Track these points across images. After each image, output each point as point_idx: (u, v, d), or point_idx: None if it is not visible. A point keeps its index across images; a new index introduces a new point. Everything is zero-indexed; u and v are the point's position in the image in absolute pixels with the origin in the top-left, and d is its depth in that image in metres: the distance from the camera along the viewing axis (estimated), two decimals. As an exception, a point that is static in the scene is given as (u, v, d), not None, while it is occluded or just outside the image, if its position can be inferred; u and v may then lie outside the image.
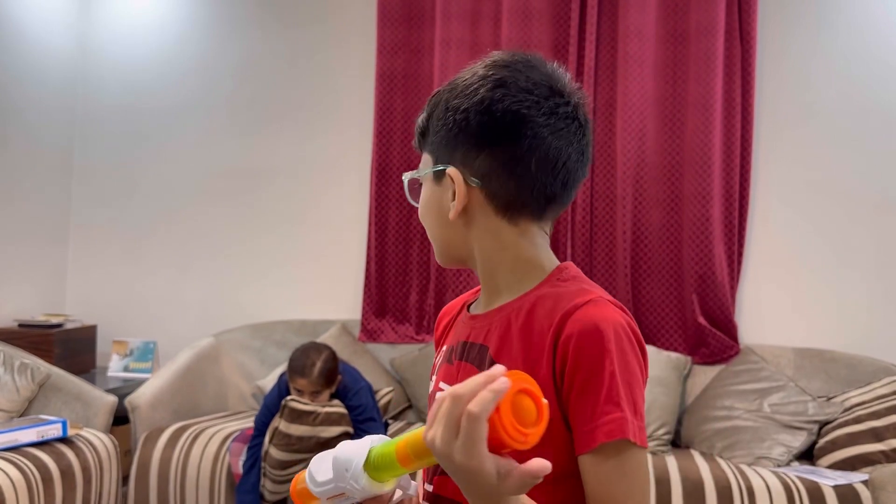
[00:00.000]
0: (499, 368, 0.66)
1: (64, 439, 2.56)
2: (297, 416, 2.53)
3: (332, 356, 2.65)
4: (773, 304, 3.22)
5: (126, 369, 3.61)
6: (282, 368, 3.24)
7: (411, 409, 3.28)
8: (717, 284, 3.15)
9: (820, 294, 3.18)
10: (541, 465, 0.65)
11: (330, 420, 2.56)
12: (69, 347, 3.48)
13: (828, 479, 2.41)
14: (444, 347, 1.00)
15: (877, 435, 2.59)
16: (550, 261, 0.92)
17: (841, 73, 3.18)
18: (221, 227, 3.76)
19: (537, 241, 0.91)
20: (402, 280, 3.47)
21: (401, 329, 3.47)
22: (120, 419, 2.98)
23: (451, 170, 0.89)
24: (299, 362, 2.60)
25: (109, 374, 3.58)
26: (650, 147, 3.25)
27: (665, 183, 3.24)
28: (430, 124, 0.93)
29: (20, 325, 3.45)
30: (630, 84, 3.21)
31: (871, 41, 3.16)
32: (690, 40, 3.20)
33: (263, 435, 2.59)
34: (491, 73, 0.88)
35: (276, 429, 2.54)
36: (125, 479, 2.86)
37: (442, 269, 3.36)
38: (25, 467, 2.35)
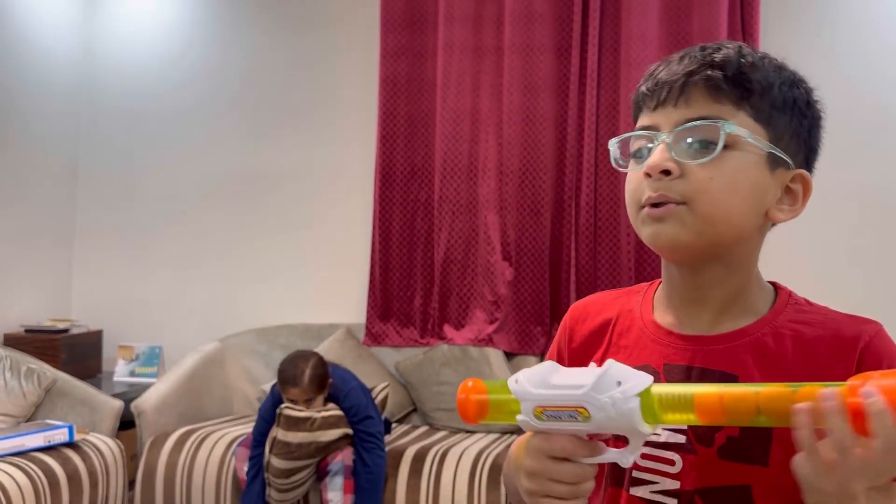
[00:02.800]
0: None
1: (70, 444, 2.57)
2: (294, 424, 2.53)
3: (320, 362, 2.66)
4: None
5: (132, 374, 3.62)
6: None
7: (416, 412, 3.28)
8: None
9: (824, 298, 3.13)
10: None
11: (328, 423, 2.57)
12: (75, 352, 3.50)
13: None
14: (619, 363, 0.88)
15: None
16: (763, 279, 0.87)
17: (844, 76, 3.18)
18: (226, 232, 3.77)
19: None
20: (407, 284, 3.48)
21: (405, 332, 3.47)
22: (126, 424, 2.99)
23: (806, 176, 0.84)
24: (289, 372, 2.60)
25: (115, 378, 3.59)
26: (654, 149, 3.25)
27: (669, 185, 3.24)
28: (774, 93, 0.81)
29: (26, 331, 3.47)
30: (633, 86, 3.16)
31: (874, 44, 3.16)
32: (693, 43, 3.17)
33: (262, 446, 2.60)
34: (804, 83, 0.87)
35: (274, 438, 2.54)
36: (131, 484, 2.87)
37: (446, 273, 3.36)
38: (32, 472, 2.36)
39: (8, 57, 3.49)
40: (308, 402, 2.60)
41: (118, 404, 2.87)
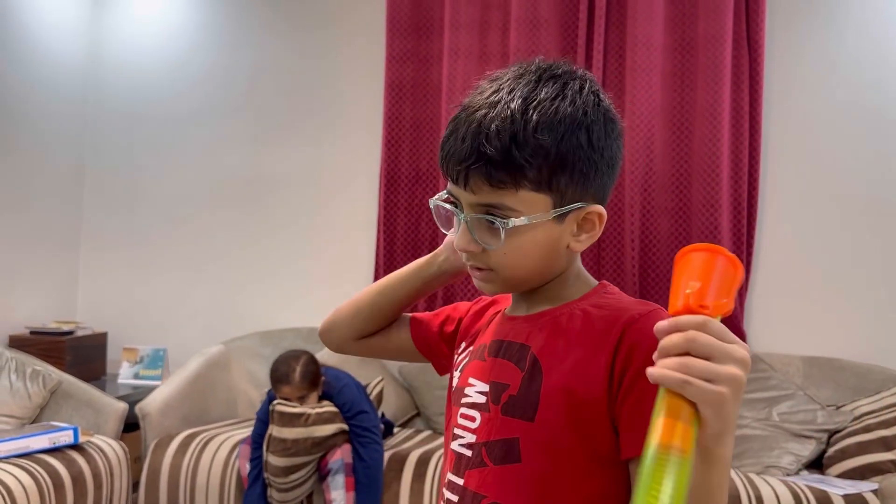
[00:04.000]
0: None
1: (75, 446, 2.58)
2: (288, 420, 2.54)
3: (311, 359, 2.69)
4: (782, 313, 3.22)
5: (136, 376, 3.63)
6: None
7: (419, 416, 3.29)
8: (726, 293, 3.15)
9: (829, 302, 3.18)
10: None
11: (322, 419, 2.58)
12: (80, 354, 3.51)
13: (837, 489, 2.40)
14: (471, 347, 1.01)
15: (886, 444, 2.58)
16: (590, 277, 0.96)
17: (850, 81, 3.18)
18: (231, 235, 3.79)
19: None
20: (411, 288, 3.48)
21: (409, 337, 3.47)
22: (130, 426, 3.00)
23: (598, 209, 0.88)
24: (280, 371, 2.64)
25: (120, 381, 3.60)
26: (658, 156, 3.25)
27: (673, 192, 3.25)
28: (550, 158, 0.83)
29: (32, 333, 3.48)
30: (638, 93, 3.22)
31: (880, 48, 3.16)
32: (698, 49, 3.21)
33: (261, 448, 2.61)
34: (600, 96, 0.89)
35: (270, 435, 2.56)
36: (135, 486, 2.88)
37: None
38: (37, 473, 2.36)
39: (15, 60, 3.51)
40: (301, 400, 2.63)
41: (122, 406, 2.88)
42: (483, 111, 0.85)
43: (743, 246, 3.20)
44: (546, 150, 0.83)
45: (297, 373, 2.62)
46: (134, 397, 3.19)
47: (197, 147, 3.84)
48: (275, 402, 2.59)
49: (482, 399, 0.91)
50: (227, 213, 3.79)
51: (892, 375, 2.88)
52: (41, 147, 3.68)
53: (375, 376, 3.16)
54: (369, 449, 2.60)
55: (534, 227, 0.86)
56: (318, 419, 2.57)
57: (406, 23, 3.49)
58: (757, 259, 3.25)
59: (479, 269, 0.91)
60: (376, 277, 3.51)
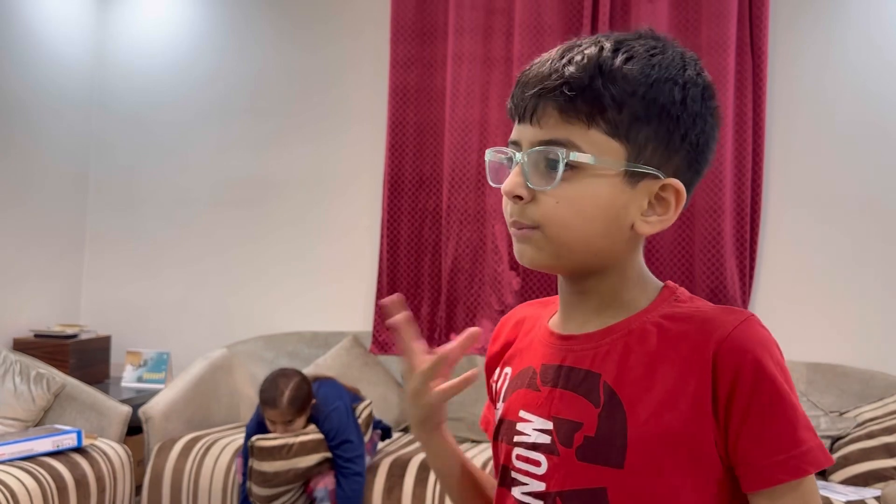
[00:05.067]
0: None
1: (78, 449, 2.58)
2: (269, 454, 2.47)
3: (302, 382, 2.55)
4: (785, 319, 3.22)
5: (140, 380, 3.63)
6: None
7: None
8: (729, 299, 3.15)
9: (832, 309, 3.17)
10: None
11: (305, 449, 2.51)
12: (84, 358, 3.51)
13: (840, 495, 2.40)
14: (508, 368, 0.89)
15: (889, 451, 2.57)
16: (654, 277, 0.83)
17: (853, 87, 3.18)
18: (235, 239, 3.79)
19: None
20: (414, 292, 3.49)
21: (412, 341, 3.47)
22: (133, 429, 3.01)
23: (676, 184, 0.77)
24: (268, 393, 2.52)
25: (123, 384, 3.60)
26: (661, 161, 3.25)
27: (676, 197, 3.25)
28: (635, 102, 0.74)
29: (36, 336, 3.49)
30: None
31: (883, 54, 3.16)
32: (702, 55, 3.21)
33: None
34: (703, 70, 0.79)
35: (250, 468, 2.50)
36: (138, 489, 2.88)
37: (453, 282, 3.38)
38: (41, 476, 2.37)
39: (20, 63, 3.52)
40: (288, 424, 2.53)
41: (126, 410, 2.89)
42: (569, 45, 0.78)
43: (746, 251, 3.20)
44: (632, 88, 0.74)
45: (285, 398, 2.50)
46: (137, 401, 3.20)
47: (201, 150, 3.85)
48: (254, 438, 2.50)
49: (545, 439, 0.79)
50: (231, 217, 3.80)
51: (895, 382, 2.88)
52: (46, 150, 3.69)
53: (375, 380, 3.17)
54: (350, 480, 2.52)
55: (597, 177, 0.74)
56: (301, 449, 2.50)
57: (410, 28, 3.50)
58: (760, 264, 3.25)
59: (521, 227, 0.78)
60: (379, 282, 3.51)
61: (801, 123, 3.24)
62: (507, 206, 0.79)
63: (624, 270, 0.80)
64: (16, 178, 3.52)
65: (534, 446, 0.80)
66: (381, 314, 3.51)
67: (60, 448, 2.53)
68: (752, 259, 3.22)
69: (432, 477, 2.65)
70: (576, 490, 0.76)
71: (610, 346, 0.78)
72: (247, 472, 2.54)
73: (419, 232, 3.49)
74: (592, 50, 0.76)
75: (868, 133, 3.16)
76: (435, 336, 3.46)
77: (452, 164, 3.40)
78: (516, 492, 0.81)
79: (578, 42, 0.78)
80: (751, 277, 3.22)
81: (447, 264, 3.39)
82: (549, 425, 0.79)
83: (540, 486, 0.78)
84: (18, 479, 2.31)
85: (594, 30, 3.29)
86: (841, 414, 2.84)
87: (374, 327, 3.50)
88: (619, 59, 0.75)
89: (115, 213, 3.94)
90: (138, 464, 2.96)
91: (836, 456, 2.69)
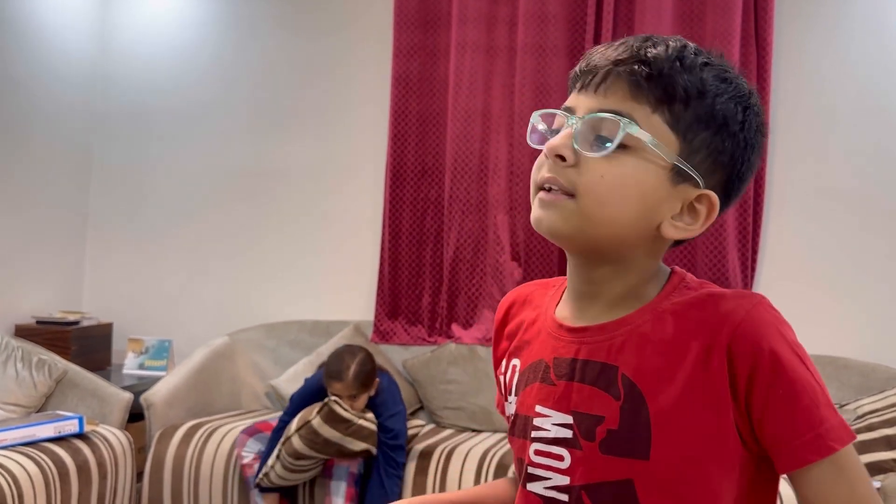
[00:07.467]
0: None
1: (80, 435, 2.59)
2: (335, 420, 2.52)
3: (367, 358, 2.64)
4: (786, 311, 3.18)
5: (141, 367, 3.64)
6: (295, 368, 3.27)
7: (422, 410, 3.29)
8: (731, 290, 3.15)
9: (833, 301, 3.17)
10: None
11: (360, 435, 2.56)
12: (86, 344, 3.52)
13: (839, 487, 2.40)
14: (516, 360, 0.87)
15: (890, 443, 2.58)
16: (663, 265, 0.83)
17: (857, 79, 3.17)
18: (237, 228, 3.80)
19: None
20: (415, 282, 3.49)
21: (413, 331, 3.48)
22: (135, 416, 3.02)
23: (712, 196, 0.77)
24: (334, 367, 2.60)
25: (125, 371, 3.61)
26: (664, 152, 3.25)
27: (679, 188, 3.25)
28: (702, 104, 0.75)
29: (38, 322, 3.50)
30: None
31: (888, 47, 3.15)
32: (706, 46, 3.18)
33: (293, 415, 2.59)
34: (762, 109, 0.81)
35: (308, 422, 2.53)
36: (139, 476, 2.89)
37: (455, 272, 3.38)
38: (43, 462, 2.38)
39: (23, 53, 3.51)
40: (351, 399, 2.58)
41: (128, 396, 2.89)
42: (648, 35, 0.79)
43: (748, 244, 3.20)
44: (703, 88, 0.75)
45: (351, 371, 2.57)
46: (139, 388, 3.21)
47: (203, 140, 3.85)
48: (332, 398, 2.55)
49: (567, 433, 0.78)
50: (233, 206, 3.80)
51: (895, 374, 2.88)
52: (49, 139, 3.69)
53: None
54: (392, 481, 2.57)
55: (647, 161, 0.74)
56: (357, 432, 2.54)
57: (413, 16, 3.49)
58: (762, 257, 3.25)
59: (553, 190, 0.76)
60: (381, 271, 3.51)
61: (804, 114, 3.23)
62: (542, 168, 0.78)
63: (644, 270, 0.81)
64: (19, 166, 3.52)
65: (554, 441, 0.80)
66: (382, 303, 3.51)
67: (62, 434, 2.53)
68: (755, 251, 3.22)
69: (433, 466, 2.66)
70: (601, 483, 0.76)
71: (625, 338, 0.78)
72: (294, 423, 2.54)
73: (421, 221, 3.49)
74: (676, 44, 0.77)
75: (872, 124, 3.15)
76: (436, 326, 3.46)
77: (455, 153, 3.39)
78: (538, 486, 0.81)
79: (658, 36, 0.80)
80: (752, 269, 3.22)
81: (449, 254, 3.39)
82: (569, 419, 0.78)
83: (564, 480, 0.78)
84: (20, 464, 2.32)
85: (598, 19, 3.28)
86: (841, 406, 2.84)
87: (376, 316, 3.50)
88: (699, 61, 0.77)
89: (118, 202, 3.94)
90: (139, 450, 2.97)
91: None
